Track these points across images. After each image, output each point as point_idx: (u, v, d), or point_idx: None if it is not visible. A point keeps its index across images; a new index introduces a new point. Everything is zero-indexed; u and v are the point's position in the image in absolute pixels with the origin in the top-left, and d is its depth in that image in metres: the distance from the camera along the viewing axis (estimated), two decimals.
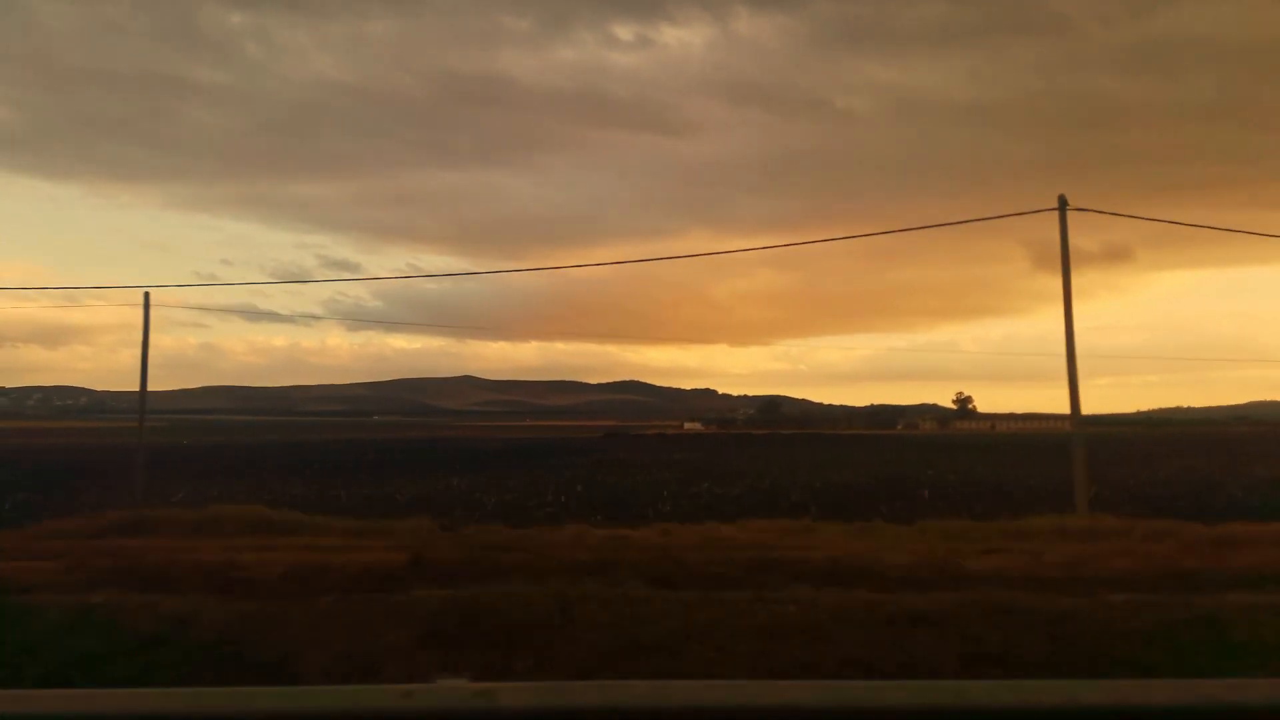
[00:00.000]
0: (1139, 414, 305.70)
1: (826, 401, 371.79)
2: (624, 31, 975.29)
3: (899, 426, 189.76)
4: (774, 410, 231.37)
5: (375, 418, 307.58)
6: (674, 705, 1.95)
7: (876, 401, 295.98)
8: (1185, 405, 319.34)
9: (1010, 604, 9.23)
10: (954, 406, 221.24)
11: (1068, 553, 14.69)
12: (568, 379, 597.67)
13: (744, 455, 67.85)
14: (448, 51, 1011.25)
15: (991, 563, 14.08)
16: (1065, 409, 18.61)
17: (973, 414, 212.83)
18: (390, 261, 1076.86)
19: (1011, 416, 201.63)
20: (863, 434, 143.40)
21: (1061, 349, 18.06)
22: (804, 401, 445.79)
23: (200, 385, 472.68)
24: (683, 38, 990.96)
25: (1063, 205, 17.08)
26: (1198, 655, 7.60)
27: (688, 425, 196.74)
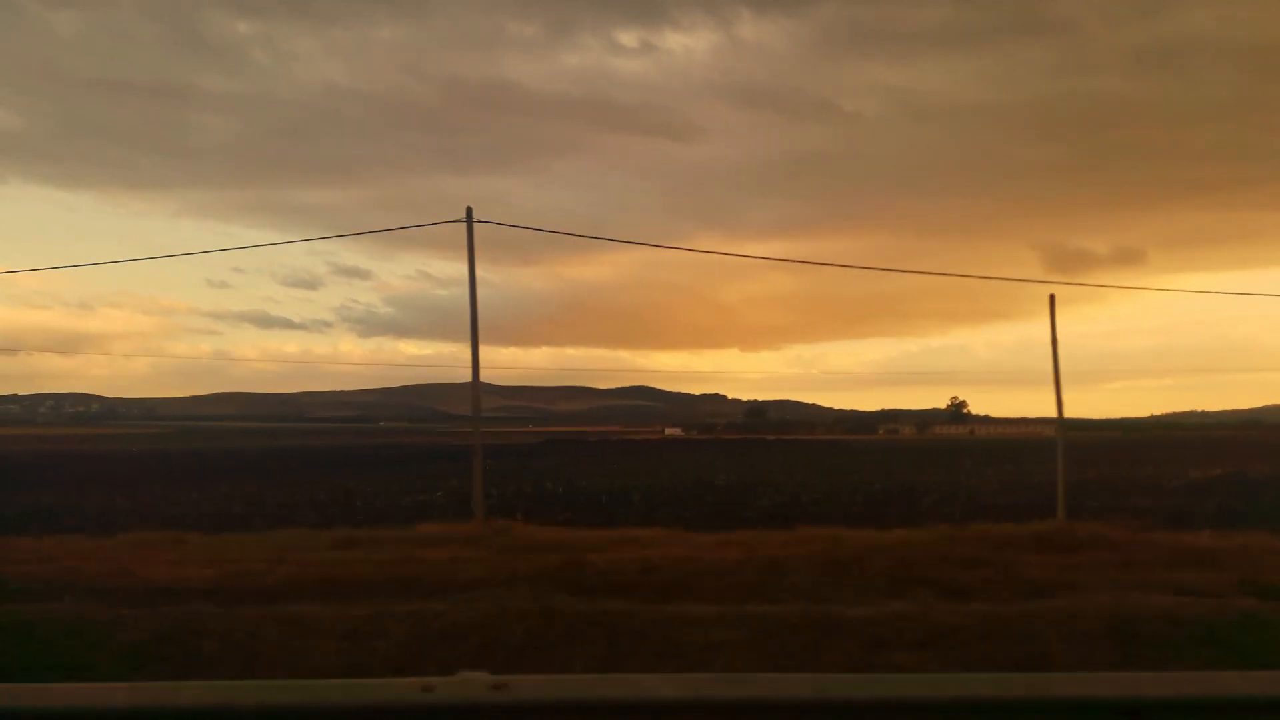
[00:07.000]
0: (1151, 418, 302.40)
1: (838, 406, 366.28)
2: (628, 37, 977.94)
3: (880, 432, 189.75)
4: (760, 415, 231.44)
5: (381, 423, 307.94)
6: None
7: (886, 407, 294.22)
8: (1199, 409, 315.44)
9: None
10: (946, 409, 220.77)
11: None
12: (577, 384, 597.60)
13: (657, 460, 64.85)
14: (455, 57, 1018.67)
15: None
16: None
17: (967, 418, 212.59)
18: (401, 268, 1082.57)
19: (1004, 421, 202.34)
20: (839, 439, 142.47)
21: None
22: (813, 407, 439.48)
23: (212, 392, 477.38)
24: (687, 43, 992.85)
25: (470, 217, 17.10)
26: None
27: (668, 431, 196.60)
